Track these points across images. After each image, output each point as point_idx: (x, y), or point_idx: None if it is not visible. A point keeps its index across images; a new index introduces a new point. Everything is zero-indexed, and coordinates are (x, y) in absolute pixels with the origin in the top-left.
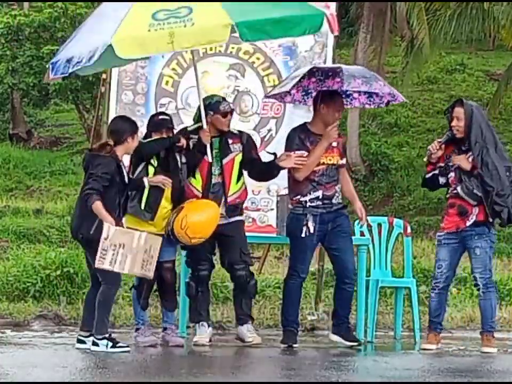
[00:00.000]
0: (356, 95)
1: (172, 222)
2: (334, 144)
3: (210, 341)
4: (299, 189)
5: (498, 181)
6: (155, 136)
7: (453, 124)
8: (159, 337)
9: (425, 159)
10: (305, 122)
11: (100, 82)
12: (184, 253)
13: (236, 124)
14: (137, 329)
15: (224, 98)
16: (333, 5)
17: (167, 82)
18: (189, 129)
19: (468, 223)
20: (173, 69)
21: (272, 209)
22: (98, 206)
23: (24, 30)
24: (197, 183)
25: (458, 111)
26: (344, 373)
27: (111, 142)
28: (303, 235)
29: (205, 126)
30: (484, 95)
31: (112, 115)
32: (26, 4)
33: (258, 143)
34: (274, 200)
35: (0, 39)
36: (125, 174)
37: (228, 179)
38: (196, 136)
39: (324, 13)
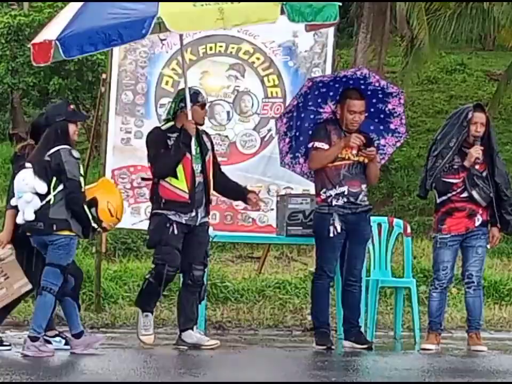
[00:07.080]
0: (383, 141)
1: (97, 217)
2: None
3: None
4: (323, 182)
5: (510, 189)
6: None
7: (476, 129)
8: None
9: (467, 164)
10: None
11: (100, 82)
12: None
13: (236, 123)
14: None
15: (199, 91)
16: None
17: (167, 82)
18: (163, 128)
19: (477, 223)
20: (173, 69)
21: (272, 209)
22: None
23: (24, 30)
24: (180, 183)
25: (481, 116)
26: (344, 373)
27: (32, 142)
28: (331, 235)
29: (190, 117)
30: (483, 95)
31: (112, 115)
32: (26, 4)
33: (258, 143)
34: (274, 200)
35: (0, 39)
36: None
37: (209, 177)
38: (174, 135)
39: (338, 4)
